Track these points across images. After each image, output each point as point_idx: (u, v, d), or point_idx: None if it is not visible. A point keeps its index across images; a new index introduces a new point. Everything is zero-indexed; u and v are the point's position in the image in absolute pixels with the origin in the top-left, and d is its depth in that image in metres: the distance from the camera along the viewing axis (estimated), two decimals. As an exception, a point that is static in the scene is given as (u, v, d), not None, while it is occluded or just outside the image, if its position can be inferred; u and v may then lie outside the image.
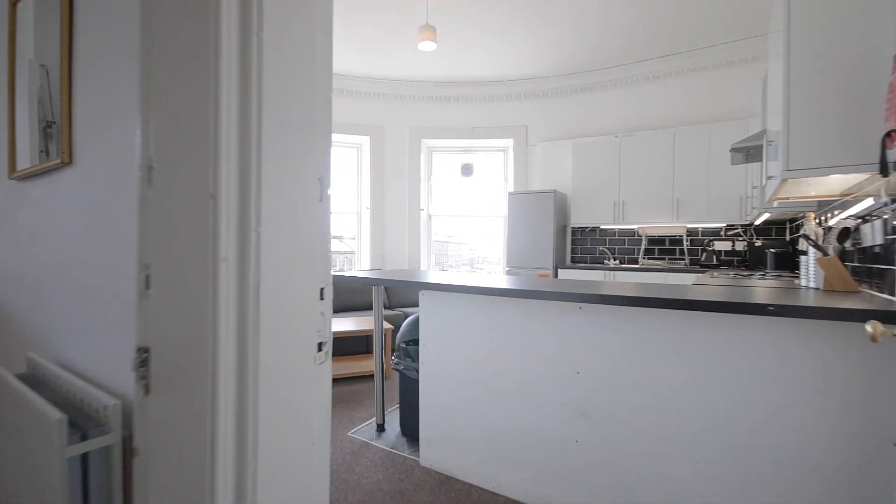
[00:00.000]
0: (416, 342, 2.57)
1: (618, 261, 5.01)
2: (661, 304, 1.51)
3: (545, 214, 4.82)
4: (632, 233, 4.97)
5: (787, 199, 2.40)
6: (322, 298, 0.85)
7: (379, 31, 4.28)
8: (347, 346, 4.22)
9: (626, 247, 5.01)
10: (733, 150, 2.75)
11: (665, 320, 1.63)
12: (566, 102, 5.35)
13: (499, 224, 5.88)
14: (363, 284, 2.68)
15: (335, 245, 6.02)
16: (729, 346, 1.52)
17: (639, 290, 1.74)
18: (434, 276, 2.37)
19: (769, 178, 2.14)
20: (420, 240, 5.77)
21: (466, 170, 5.91)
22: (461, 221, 6.29)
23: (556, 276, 4.79)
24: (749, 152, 2.77)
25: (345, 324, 3.97)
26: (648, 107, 4.90)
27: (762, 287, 2.07)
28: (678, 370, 1.60)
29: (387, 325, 3.89)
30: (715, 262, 4.41)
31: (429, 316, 2.24)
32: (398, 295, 5.06)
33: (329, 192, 0.89)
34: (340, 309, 4.76)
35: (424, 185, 5.83)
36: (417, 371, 2.37)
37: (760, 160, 2.96)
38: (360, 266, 5.78)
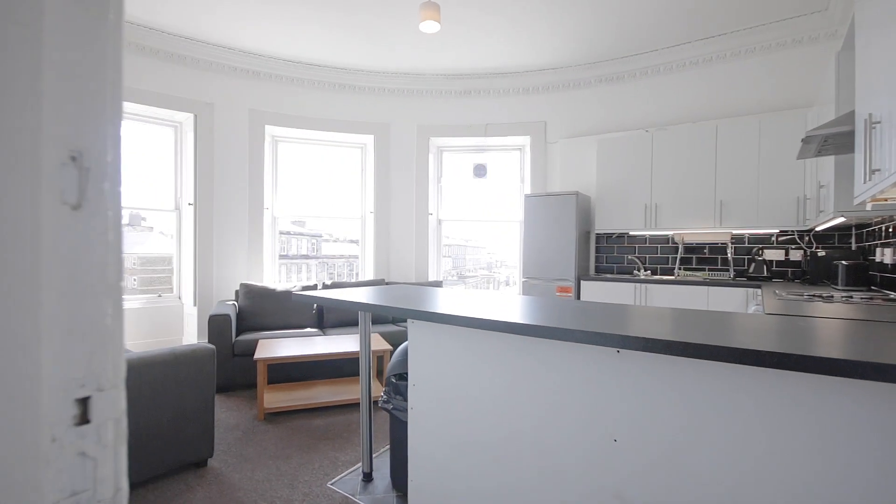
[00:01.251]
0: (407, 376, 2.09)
1: (649, 271, 4.44)
2: (755, 360, 0.99)
3: (566, 219, 4.29)
4: (665, 240, 4.39)
5: (886, 200, 1.85)
6: (88, 420, 0.40)
7: (381, 18, 3.84)
8: (340, 367, 3.76)
9: (659, 255, 4.44)
10: (806, 140, 2.20)
11: (749, 377, 1.11)
12: (590, 94, 4.81)
13: (515, 229, 5.37)
14: (337, 307, 2.28)
15: (335, 248, 5.60)
16: (853, 420, 1.00)
17: (700, 325, 1.23)
18: (424, 300, 1.88)
19: (874, 171, 1.61)
20: (429, 247, 5.29)
21: (479, 170, 5.42)
22: (475, 226, 5.80)
23: (578, 288, 4.24)
24: (826, 142, 2.21)
25: (343, 343, 3.52)
26: (685, 97, 4.33)
27: (870, 319, 1.52)
28: (779, 452, 1.08)
29: (386, 346, 3.42)
30: (765, 273, 3.81)
31: (419, 351, 1.76)
32: (403, 308, 4.58)
33: (113, 187, 0.42)
34: (338, 324, 4.32)
35: (433, 187, 5.36)
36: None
37: (837, 153, 2.40)
38: (363, 275, 5.33)
